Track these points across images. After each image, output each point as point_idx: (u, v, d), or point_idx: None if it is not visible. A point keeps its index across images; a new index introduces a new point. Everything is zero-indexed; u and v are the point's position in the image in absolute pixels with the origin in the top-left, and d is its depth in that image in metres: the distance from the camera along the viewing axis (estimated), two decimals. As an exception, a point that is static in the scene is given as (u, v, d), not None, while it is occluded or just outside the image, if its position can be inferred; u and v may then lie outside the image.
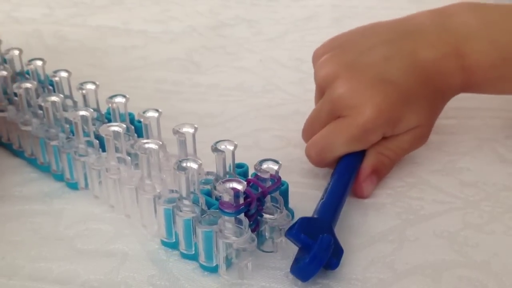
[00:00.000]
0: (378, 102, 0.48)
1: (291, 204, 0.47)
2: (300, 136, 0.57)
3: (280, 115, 0.61)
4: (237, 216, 0.40)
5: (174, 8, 0.88)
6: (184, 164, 0.41)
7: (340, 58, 0.51)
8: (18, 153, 0.55)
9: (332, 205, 0.45)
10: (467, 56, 0.50)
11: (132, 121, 0.51)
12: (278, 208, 0.43)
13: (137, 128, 0.51)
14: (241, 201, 0.40)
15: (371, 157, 0.50)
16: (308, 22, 0.82)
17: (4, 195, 0.51)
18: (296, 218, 0.46)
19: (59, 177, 0.52)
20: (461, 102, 0.61)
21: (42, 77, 0.56)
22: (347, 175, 0.48)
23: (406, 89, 0.50)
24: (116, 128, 0.46)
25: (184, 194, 0.42)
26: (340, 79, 0.49)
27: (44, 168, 0.53)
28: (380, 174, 0.50)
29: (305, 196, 0.49)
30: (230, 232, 0.40)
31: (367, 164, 0.50)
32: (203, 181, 0.46)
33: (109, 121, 0.51)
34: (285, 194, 0.46)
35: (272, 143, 0.56)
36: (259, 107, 0.62)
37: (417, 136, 0.51)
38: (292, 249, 0.42)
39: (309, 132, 0.52)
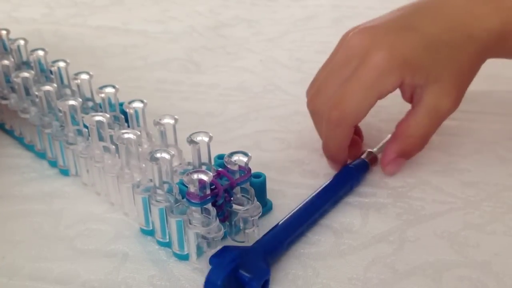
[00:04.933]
0: (394, 43, 0.46)
1: (290, 205, 0.47)
2: (301, 137, 0.57)
3: (281, 116, 0.60)
4: (205, 207, 0.41)
5: (174, 8, 0.88)
6: (157, 155, 0.42)
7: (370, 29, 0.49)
8: (18, 139, 0.57)
9: (277, 237, 0.43)
10: None
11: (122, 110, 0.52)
12: (248, 199, 0.43)
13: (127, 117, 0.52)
14: (208, 192, 0.41)
15: (398, 140, 0.49)
16: (308, 22, 0.82)
17: (4, 195, 0.51)
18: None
19: (54, 164, 0.53)
20: (463, 105, 0.61)
21: (45, 67, 0.58)
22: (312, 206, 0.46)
23: (430, 34, 0.47)
24: (99, 118, 0.47)
25: (157, 183, 0.43)
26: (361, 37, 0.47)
27: (41, 155, 0.55)
28: (409, 155, 0.49)
29: (305, 198, 0.48)
30: (198, 222, 0.41)
31: (392, 148, 0.48)
32: (182, 171, 0.47)
33: (104, 111, 0.52)
34: (261, 186, 0.46)
35: (272, 144, 0.56)
36: (259, 108, 0.62)
37: (443, 96, 0.47)
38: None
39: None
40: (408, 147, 0.49)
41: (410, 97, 0.49)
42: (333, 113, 0.47)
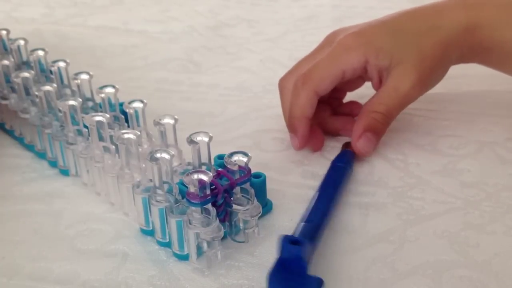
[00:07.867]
0: (362, 29, 0.52)
1: (290, 205, 0.47)
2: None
3: (281, 116, 0.60)
4: (205, 207, 0.41)
5: (174, 8, 0.88)
6: (157, 155, 0.42)
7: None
8: (18, 139, 0.57)
9: (312, 228, 0.43)
10: None
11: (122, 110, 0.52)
12: (248, 199, 0.43)
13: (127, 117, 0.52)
14: (208, 192, 0.41)
15: (362, 117, 0.52)
16: (308, 22, 0.82)
17: (4, 195, 0.51)
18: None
19: (54, 164, 0.53)
20: (463, 105, 0.61)
21: (45, 67, 0.58)
22: (331, 189, 0.48)
23: (395, 22, 0.52)
24: (99, 118, 0.47)
25: (157, 184, 0.43)
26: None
27: (41, 155, 0.55)
28: (375, 130, 0.52)
29: (306, 198, 0.48)
30: (198, 222, 0.41)
31: (359, 124, 0.52)
32: (182, 171, 0.47)
33: (104, 111, 0.52)
34: (261, 186, 0.46)
35: (272, 144, 0.56)
36: (259, 108, 0.62)
37: (403, 77, 0.51)
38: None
39: None
40: (372, 121, 0.52)
41: (379, 83, 0.54)
42: (300, 78, 0.53)
